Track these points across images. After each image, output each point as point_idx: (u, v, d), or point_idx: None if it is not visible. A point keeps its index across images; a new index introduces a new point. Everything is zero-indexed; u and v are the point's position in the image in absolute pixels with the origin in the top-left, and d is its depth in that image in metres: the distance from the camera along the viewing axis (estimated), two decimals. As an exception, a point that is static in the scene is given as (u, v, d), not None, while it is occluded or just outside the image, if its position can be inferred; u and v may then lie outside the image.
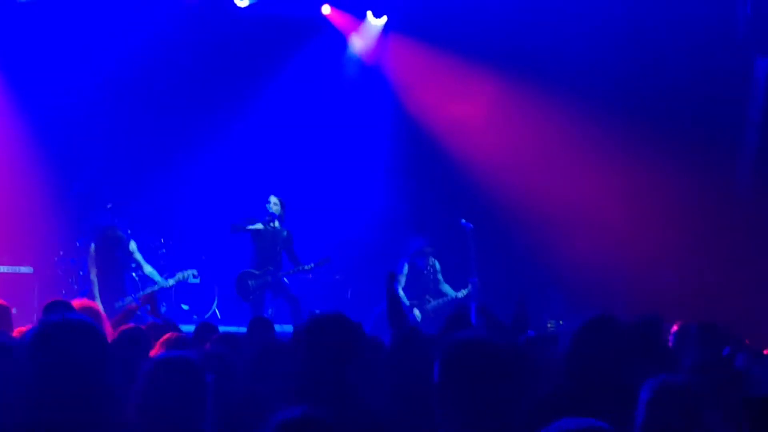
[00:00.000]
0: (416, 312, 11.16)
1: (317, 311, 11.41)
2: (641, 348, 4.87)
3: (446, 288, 11.49)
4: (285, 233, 11.15)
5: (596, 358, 3.69)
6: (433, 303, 11.24)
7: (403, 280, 11.39)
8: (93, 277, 10.41)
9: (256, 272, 11.03)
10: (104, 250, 10.47)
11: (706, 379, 3.61)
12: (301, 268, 11.08)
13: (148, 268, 10.71)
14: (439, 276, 11.54)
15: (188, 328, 7.75)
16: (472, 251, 11.32)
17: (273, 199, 11.15)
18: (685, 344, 5.63)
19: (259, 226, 11.06)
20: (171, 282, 10.67)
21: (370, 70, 13.87)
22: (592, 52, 12.39)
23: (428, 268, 11.43)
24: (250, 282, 10.99)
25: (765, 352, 6.16)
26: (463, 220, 11.54)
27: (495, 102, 13.11)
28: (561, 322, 11.28)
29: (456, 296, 11.25)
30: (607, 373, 3.65)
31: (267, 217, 11.08)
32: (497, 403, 2.92)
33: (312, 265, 11.11)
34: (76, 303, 6.28)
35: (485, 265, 11.50)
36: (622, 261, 12.20)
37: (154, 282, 10.52)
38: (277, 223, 11.10)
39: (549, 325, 11.11)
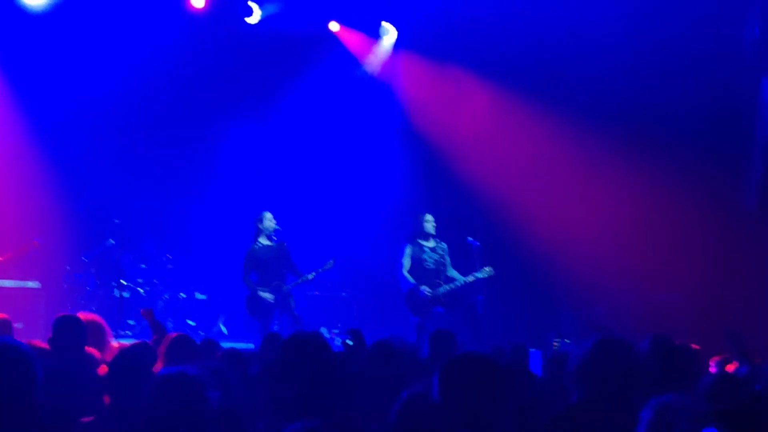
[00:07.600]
0: (425, 288, 11.04)
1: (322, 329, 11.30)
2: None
3: (454, 273, 11.32)
4: (283, 246, 11.13)
5: (606, 380, 3.66)
6: (444, 287, 11.14)
7: (407, 262, 11.30)
8: None
9: (266, 289, 11.02)
10: None
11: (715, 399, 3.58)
12: (304, 278, 11.07)
13: None
14: (447, 259, 11.34)
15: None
16: (478, 269, 11.27)
17: (270, 215, 11.14)
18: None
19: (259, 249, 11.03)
20: None
21: (379, 86, 13.91)
22: (601, 71, 12.41)
23: (432, 249, 11.29)
24: (262, 294, 10.96)
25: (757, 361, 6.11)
26: (470, 238, 11.50)
27: (506, 120, 13.13)
28: (567, 340, 11.20)
29: (466, 281, 11.15)
30: (617, 394, 3.63)
31: (268, 235, 11.07)
32: (495, 416, 2.94)
33: (314, 273, 11.10)
34: (83, 317, 6.32)
35: (491, 282, 11.47)
36: (629, 279, 12.17)
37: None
38: (272, 239, 11.12)
39: (555, 344, 11.03)
